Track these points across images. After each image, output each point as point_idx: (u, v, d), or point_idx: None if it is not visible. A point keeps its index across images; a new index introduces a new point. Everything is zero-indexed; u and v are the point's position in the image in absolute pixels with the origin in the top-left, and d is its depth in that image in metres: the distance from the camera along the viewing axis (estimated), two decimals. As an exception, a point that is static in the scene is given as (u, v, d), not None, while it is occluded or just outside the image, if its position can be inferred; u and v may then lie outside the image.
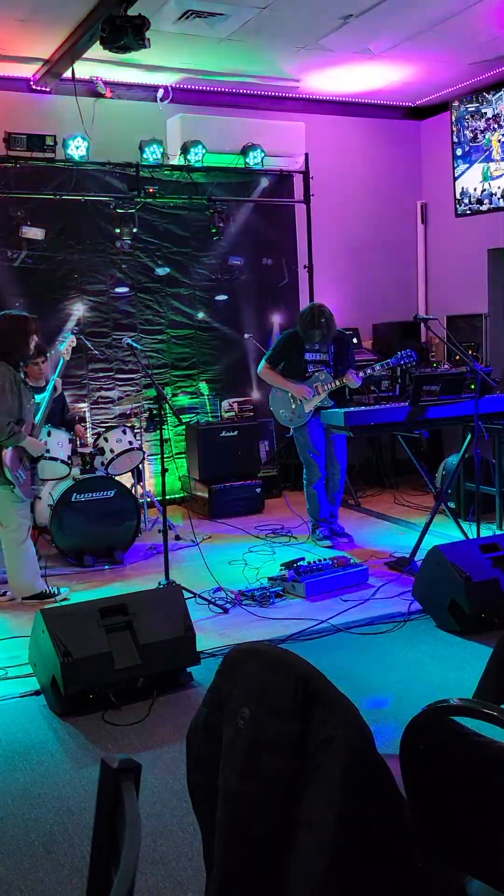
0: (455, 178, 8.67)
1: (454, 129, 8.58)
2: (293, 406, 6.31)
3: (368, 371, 6.23)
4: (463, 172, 8.62)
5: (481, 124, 8.35)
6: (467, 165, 8.57)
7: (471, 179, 8.55)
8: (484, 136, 8.34)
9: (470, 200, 8.59)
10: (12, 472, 4.99)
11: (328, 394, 6.23)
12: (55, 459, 5.88)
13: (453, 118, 8.56)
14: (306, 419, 6.26)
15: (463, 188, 8.62)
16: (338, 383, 6.20)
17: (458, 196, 8.68)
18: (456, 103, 8.51)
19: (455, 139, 8.59)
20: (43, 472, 6.05)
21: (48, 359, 6.14)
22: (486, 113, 8.27)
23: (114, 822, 1.37)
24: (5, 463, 4.97)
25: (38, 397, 5.38)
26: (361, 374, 6.19)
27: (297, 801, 1.60)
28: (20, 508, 5.16)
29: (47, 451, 5.76)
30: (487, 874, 1.67)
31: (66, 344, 5.58)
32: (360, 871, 1.57)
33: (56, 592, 5.29)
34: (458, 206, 8.68)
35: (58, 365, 5.60)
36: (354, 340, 8.66)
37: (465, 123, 8.49)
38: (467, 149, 8.54)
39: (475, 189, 8.51)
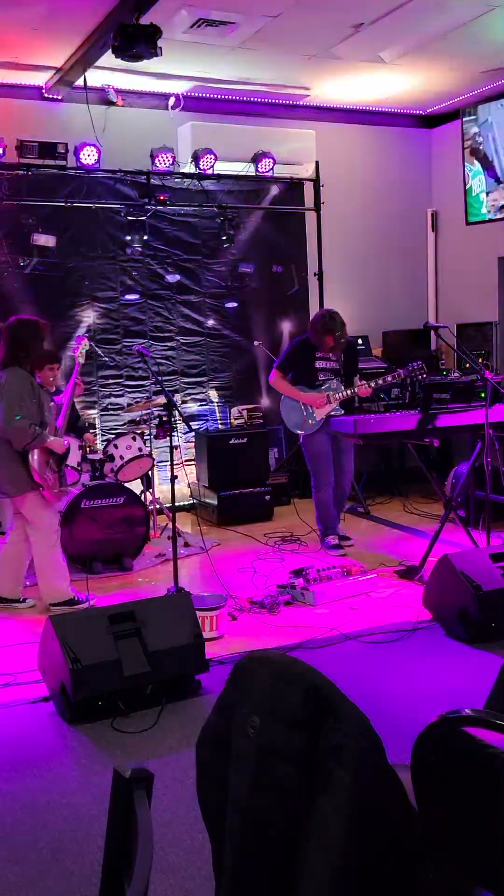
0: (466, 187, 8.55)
1: (470, 140, 8.34)
2: (304, 413, 6.31)
3: (379, 382, 6.27)
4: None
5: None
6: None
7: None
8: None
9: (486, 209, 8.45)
10: (40, 474, 5.02)
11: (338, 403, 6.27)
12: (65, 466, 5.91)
13: (465, 129, 8.36)
14: (317, 426, 6.26)
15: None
16: (349, 393, 6.22)
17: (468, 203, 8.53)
18: (470, 111, 8.29)
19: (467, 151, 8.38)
20: None
21: (61, 365, 6.18)
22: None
23: (126, 832, 1.37)
24: (33, 466, 5.01)
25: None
26: (372, 384, 6.23)
27: (306, 809, 1.59)
28: (49, 512, 5.19)
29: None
30: (498, 886, 1.66)
31: (80, 347, 5.67)
32: (370, 880, 1.56)
33: (84, 600, 5.26)
34: (468, 213, 8.58)
35: (73, 369, 5.68)
36: (363, 347, 8.66)
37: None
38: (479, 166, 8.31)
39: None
